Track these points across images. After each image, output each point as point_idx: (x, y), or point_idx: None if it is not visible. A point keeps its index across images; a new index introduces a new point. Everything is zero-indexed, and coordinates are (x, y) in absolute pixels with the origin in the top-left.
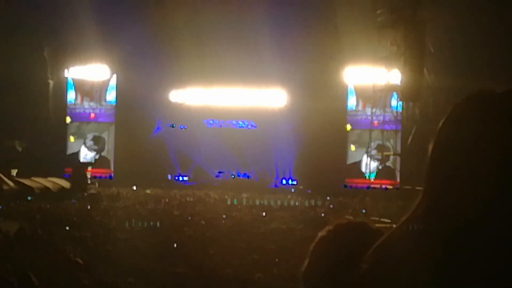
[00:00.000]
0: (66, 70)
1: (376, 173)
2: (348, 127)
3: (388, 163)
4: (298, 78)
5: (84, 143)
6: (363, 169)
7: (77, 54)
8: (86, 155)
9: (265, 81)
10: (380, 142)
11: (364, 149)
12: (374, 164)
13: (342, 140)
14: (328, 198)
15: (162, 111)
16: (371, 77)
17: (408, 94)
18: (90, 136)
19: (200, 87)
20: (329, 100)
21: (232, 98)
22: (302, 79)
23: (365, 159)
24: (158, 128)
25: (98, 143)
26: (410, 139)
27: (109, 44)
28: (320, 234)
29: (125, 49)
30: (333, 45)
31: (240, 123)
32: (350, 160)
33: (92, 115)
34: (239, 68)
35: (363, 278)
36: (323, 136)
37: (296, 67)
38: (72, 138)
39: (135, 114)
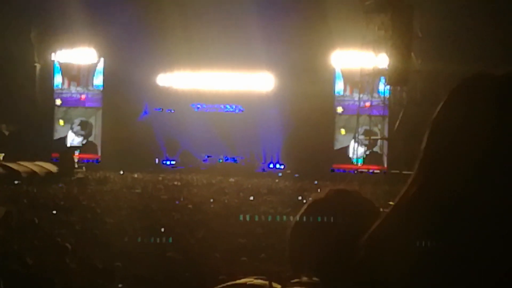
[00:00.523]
0: (53, 54)
1: (364, 158)
2: (340, 109)
3: (376, 149)
4: (285, 62)
5: (71, 128)
6: (351, 155)
7: (64, 37)
8: (73, 140)
9: (252, 64)
10: (367, 127)
11: (352, 135)
12: (361, 150)
13: (329, 125)
14: (315, 182)
15: (149, 95)
16: (359, 61)
17: (396, 78)
18: (77, 121)
19: (187, 71)
20: (316, 85)
21: (219, 82)
22: (290, 63)
23: (352, 144)
24: (145, 112)
25: (85, 128)
26: (397, 124)
27: (96, 27)
28: (313, 197)
29: (112, 32)
30: (320, 29)
31: (228, 107)
32: (338, 146)
33: (83, 96)
34: (226, 51)
35: (361, 264)
36: (310, 120)
37: (284, 51)
38: (61, 122)
39: (122, 98)
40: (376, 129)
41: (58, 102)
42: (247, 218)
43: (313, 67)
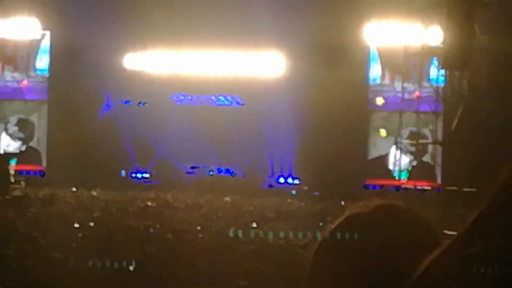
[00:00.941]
0: None
1: (409, 171)
2: (380, 100)
3: (425, 158)
4: (300, 38)
5: (5, 129)
6: (391, 166)
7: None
8: (7, 145)
9: (256, 41)
10: (414, 128)
11: (392, 139)
12: (405, 159)
13: (361, 125)
14: (342, 203)
15: (113, 83)
16: (402, 38)
17: (453, 59)
18: (13, 119)
19: (166, 50)
20: (343, 69)
21: (210, 65)
22: (307, 39)
23: (393, 152)
24: (108, 105)
25: (24, 129)
26: (455, 122)
27: None
28: (351, 210)
29: None
30: None
31: (222, 99)
32: (373, 154)
33: (23, 84)
34: (219, 24)
35: None
36: (335, 119)
37: (298, 23)
38: None
39: (76, 87)
40: (426, 131)
41: None
42: (249, 252)
43: (338, 45)
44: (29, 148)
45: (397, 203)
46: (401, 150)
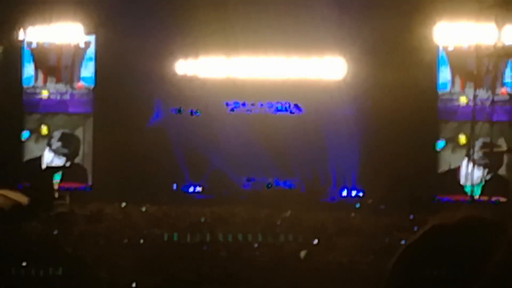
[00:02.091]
0: (21, 31)
1: (483, 185)
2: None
3: (501, 171)
4: (363, 41)
5: (49, 145)
6: (462, 180)
7: (38, 6)
8: (51, 162)
9: (316, 45)
10: (487, 139)
11: (464, 151)
12: (478, 173)
13: (430, 136)
14: (411, 216)
15: (163, 90)
16: (473, 38)
17: None
18: (57, 134)
19: (220, 55)
20: (410, 74)
21: (266, 71)
22: (369, 43)
23: (465, 166)
24: (157, 114)
25: (69, 145)
26: None
27: None
28: (435, 220)
29: (108, 0)
30: None
31: (279, 106)
32: (443, 167)
33: (65, 98)
34: (276, 27)
35: None
36: (401, 128)
37: (361, 25)
38: (33, 135)
39: (123, 96)
40: (501, 141)
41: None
42: (310, 270)
43: (404, 47)
44: (73, 165)
45: (486, 215)
46: (473, 162)
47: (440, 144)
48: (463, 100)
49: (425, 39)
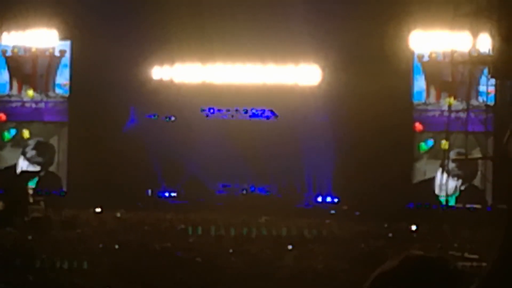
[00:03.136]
0: None
1: (457, 195)
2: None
3: (476, 182)
4: (338, 49)
5: (23, 154)
6: (437, 190)
7: (13, 12)
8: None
9: (291, 52)
10: (461, 150)
11: (438, 161)
12: (452, 184)
13: (405, 147)
14: (385, 225)
15: (138, 95)
16: (448, 46)
17: (504, 68)
18: (31, 142)
19: (196, 62)
20: (385, 81)
21: (242, 77)
22: (344, 50)
23: (439, 176)
24: (132, 120)
25: (43, 153)
26: (507, 135)
27: None
28: (379, 270)
29: (84, 5)
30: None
31: (255, 111)
32: (418, 177)
33: (40, 106)
34: (252, 34)
35: None
36: (377, 136)
37: (336, 32)
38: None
39: (99, 103)
40: (476, 152)
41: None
42: (285, 277)
43: (380, 55)
44: (48, 174)
45: (426, 254)
46: (448, 173)
47: (429, 143)
48: (438, 110)
49: (401, 47)
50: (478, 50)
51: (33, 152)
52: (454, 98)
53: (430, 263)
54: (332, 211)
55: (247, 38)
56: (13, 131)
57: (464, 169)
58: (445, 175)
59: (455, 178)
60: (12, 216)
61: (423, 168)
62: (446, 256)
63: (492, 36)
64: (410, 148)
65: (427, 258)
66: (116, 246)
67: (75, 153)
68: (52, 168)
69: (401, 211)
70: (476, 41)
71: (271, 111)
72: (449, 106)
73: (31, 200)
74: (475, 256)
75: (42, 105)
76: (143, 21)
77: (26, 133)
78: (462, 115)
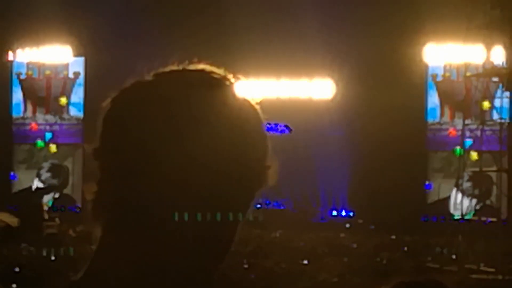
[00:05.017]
0: (10, 52)
1: (473, 214)
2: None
3: (490, 201)
4: (351, 63)
5: (38, 176)
6: (452, 210)
7: (27, 30)
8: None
9: (305, 67)
10: (476, 169)
11: (453, 181)
12: (467, 203)
13: (419, 167)
14: (393, 236)
15: None
16: (462, 59)
17: None
18: (46, 165)
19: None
20: (399, 99)
21: (256, 91)
22: (358, 64)
23: (454, 196)
24: None
25: (58, 176)
26: None
27: (75, 13)
28: None
29: (99, 22)
30: (403, 11)
31: (269, 126)
32: (433, 197)
33: (55, 129)
34: (266, 48)
35: None
36: (391, 149)
37: (350, 47)
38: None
39: None
40: (492, 174)
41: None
42: None
43: (393, 69)
44: (62, 196)
45: (421, 279)
46: (462, 193)
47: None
48: (452, 129)
49: (414, 60)
50: (492, 63)
51: (48, 175)
52: (468, 117)
53: (422, 286)
54: (347, 225)
55: (261, 53)
56: (48, 135)
57: (479, 187)
58: (459, 194)
59: (470, 198)
60: (27, 232)
61: (437, 188)
62: (441, 277)
63: (506, 49)
64: (423, 169)
65: (420, 283)
66: None
67: (90, 175)
68: (66, 190)
69: (416, 225)
70: (490, 54)
71: (286, 126)
72: (463, 126)
73: (46, 216)
74: (491, 270)
75: (56, 127)
76: (157, 36)
77: (53, 148)
78: (477, 133)
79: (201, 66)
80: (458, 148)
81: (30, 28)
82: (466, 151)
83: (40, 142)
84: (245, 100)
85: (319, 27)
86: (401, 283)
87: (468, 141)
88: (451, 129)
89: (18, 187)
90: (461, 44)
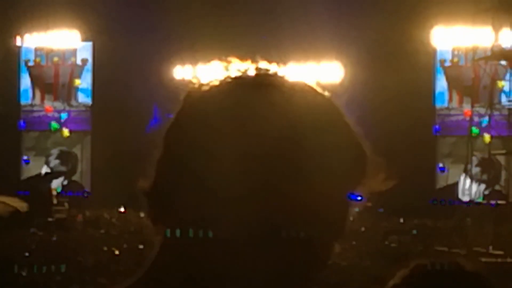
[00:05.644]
0: (18, 37)
1: (481, 199)
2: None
3: (498, 186)
4: (359, 46)
5: (47, 163)
6: (460, 195)
7: (35, 14)
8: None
9: (313, 50)
10: (484, 155)
11: (461, 167)
12: (475, 188)
13: (427, 152)
14: (401, 220)
15: (161, 94)
16: (470, 41)
17: None
18: (55, 152)
19: (217, 60)
20: (407, 82)
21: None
22: (366, 47)
23: (462, 181)
24: (155, 119)
25: (66, 162)
26: None
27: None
28: (392, 283)
29: (105, 5)
30: None
31: None
32: (441, 182)
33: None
34: (273, 32)
35: None
36: (400, 136)
37: (357, 29)
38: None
39: (122, 106)
40: (499, 156)
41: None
42: None
43: (401, 52)
44: (71, 183)
45: (437, 260)
46: (471, 178)
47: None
48: (459, 116)
49: (423, 43)
50: (500, 46)
51: (56, 162)
52: (477, 103)
53: (442, 269)
54: (356, 209)
55: (268, 37)
56: (63, 115)
57: (488, 173)
58: (468, 179)
59: (478, 183)
60: (36, 217)
61: (446, 173)
62: (460, 258)
63: None
64: (432, 155)
65: (439, 264)
66: (141, 246)
67: (98, 162)
68: (75, 177)
69: (425, 208)
70: (498, 37)
71: None
72: (472, 111)
73: (55, 201)
74: (500, 252)
75: (65, 114)
76: (164, 20)
77: (65, 132)
78: (486, 119)
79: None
80: (474, 128)
81: (38, 12)
82: (475, 136)
83: (54, 124)
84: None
85: (326, 10)
86: (420, 265)
87: (482, 122)
88: (466, 110)
89: (27, 174)
90: (470, 27)
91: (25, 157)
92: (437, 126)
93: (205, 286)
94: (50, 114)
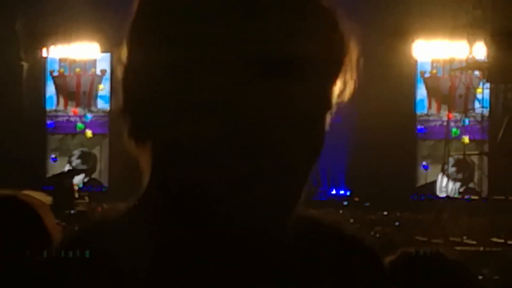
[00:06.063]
0: (44, 50)
1: (457, 196)
2: None
3: (472, 184)
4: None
5: (69, 162)
6: (438, 192)
7: (60, 27)
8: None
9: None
10: (459, 156)
11: (439, 167)
12: (451, 185)
13: (409, 154)
14: (385, 213)
15: None
16: (448, 54)
17: (498, 72)
18: (76, 152)
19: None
20: (389, 90)
21: None
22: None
23: (440, 179)
24: None
25: (87, 162)
26: (501, 133)
27: (102, 10)
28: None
29: (123, 19)
30: (394, 10)
31: None
32: (421, 181)
33: (84, 121)
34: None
35: None
36: (384, 138)
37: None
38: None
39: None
40: (474, 159)
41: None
42: None
43: (384, 63)
44: (91, 180)
45: (423, 249)
46: (448, 177)
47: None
48: (438, 121)
49: (405, 56)
50: (474, 58)
51: (78, 161)
52: (453, 110)
53: (426, 255)
54: (345, 203)
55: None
56: (88, 117)
57: (463, 172)
58: (445, 178)
59: (454, 181)
60: (60, 210)
61: (424, 173)
62: (442, 249)
63: (487, 45)
64: (412, 156)
65: (423, 251)
66: None
67: (115, 161)
68: (95, 175)
69: (406, 202)
70: (472, 50)
71: None
72: (448, 117)
73: (76, 195)
74: (473, 242)
75: (85, 119)
76: None
77: (89, 133)
78: (461, 124)
79: None
80: (454, 129)
81: (62, 27)
82: (451, 140)
83: (80, 125)
84: None
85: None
86: (406, 252)
87: (464, 122)
88: (448, 114)
89: (52, 172)
90: (447, 41)
91: (52, 156)
92: (417, 130)
93: (202, 206)
94: (73, 119)
